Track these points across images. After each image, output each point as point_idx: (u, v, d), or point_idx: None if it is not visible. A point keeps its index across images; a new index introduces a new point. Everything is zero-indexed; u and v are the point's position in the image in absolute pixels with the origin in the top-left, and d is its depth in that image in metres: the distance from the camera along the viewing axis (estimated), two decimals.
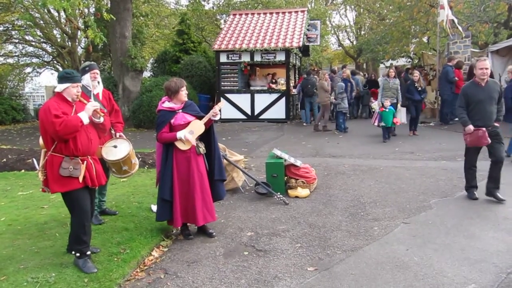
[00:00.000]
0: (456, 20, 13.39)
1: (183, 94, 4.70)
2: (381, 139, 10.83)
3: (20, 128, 17.52)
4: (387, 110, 10.48)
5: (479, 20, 16.43)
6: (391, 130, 10.88)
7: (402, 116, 11.81)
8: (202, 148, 4.84)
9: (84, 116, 3.82)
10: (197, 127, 4.72)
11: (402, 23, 20.33)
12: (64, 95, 3.86)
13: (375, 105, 14.92)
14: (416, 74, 11.46)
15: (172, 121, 4.69)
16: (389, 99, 10.79)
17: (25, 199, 6.52)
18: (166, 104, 4.74)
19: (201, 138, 4.87)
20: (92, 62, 5.24)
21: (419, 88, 11.20)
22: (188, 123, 4.71)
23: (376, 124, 10.95)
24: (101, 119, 4.06)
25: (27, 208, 5.99)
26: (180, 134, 4.61)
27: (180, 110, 4.74)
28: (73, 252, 3.99)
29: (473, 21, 16.41)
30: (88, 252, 4.02)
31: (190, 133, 4.66)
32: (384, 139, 10.65)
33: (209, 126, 4.89)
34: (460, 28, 13.60)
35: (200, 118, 4.79)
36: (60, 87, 3.83)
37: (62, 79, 3.84)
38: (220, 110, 4.84)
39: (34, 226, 5.15)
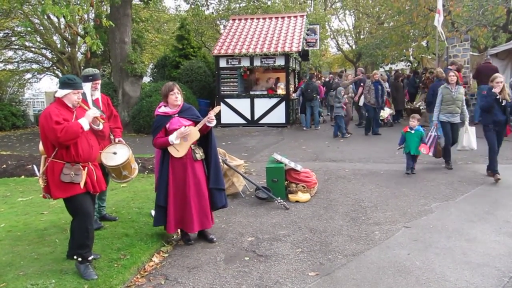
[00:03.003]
0: (440, 29, 13.45)
1: (173, 98, 4.64)
2: (382, 143, 10.78)
3: (20, 134, 17.52)
4: (412, 131, 7.76)
5: (478, 24, 16.48)
6: (414, 160, 7.87)
7: (471, 140, 7.92)
8: (199, 154, 4.79)
9: (85, 122, 3.82)
10: (192, 133, 4.66)
11: (401, 27, 20.38)
12: (64, 101, 3.85)
13: (383, 112, 13.63)
14: (499, 80, 6.96)
15: (167, 125, 4.66)
16: (444, 115, 7.83)
17: (25, 205, 6.51)
18: (162, 109, 4.73)
19: (199, 144, 4.85)
20: (96, 72, 5.12)
21: (504, 103, 6.95)
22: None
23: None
24: (100, 126, 4.06)
25: (26, 214, 5.97)
26: (171, 137, 4.57)
27: (176, 115, 4.70)
28: (75, 257, 3.96)
29: (472, 25, 16.46)
30: (90, 258, 3.99)
31: (184, 140, 4.62)
32: (407, 170, 7.74)
33: (207, 132, 4.83)
34: (442, 34, 13.66)
35: (197, 122, 4.73)
36: (60, 93, 3.83)
37: (63, 84, 3.83)
38: (220, 112, 4.79)
39: (33, 232, 5.13)
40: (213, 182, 4.85)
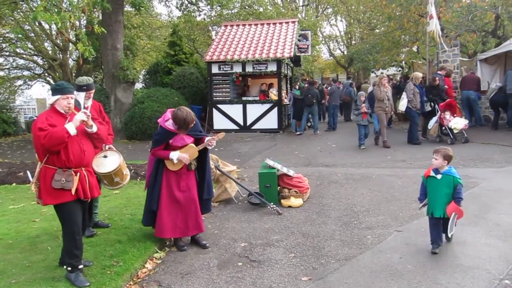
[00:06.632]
0: (440, 33, 13.57)
1: (192, 125, 4.67)
2: (374, 148, 10.80)
3: (11, 141, 17.40)
4: (438, 176, 4.47)
5: (467, 30, 16.68)
6: (439, 226, 4.51)
7: None
8: (194, 165, 4.92)
9: (71, 127, 3.76)
10: (191, 152, 4.78)
11: (392, 32, 20.56)
12: (56, 107, 3.87)
13: (456, 123, 10.67)
14: None
15: (170, 141, 4.73)
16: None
17: (17, 213, 6.47)
18: (169, 124, 4.67)
19: None
20: (90, 82, 5.08)
21: None
22: (186, 145, 4.74)
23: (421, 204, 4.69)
24: (94, 129, 4.02)
25: (18, 222, 5.94)
26: (173, 155, 4.65)
27: None
28: (64, 267, 3.95)
29: (462, 31, 16.65)
30: (80, 266, 3.98)
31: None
32: (434, 249, 4.40)
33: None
34: (442, 40, 13.80)
35: (198, 139, 4.86)
36: (51, 99, 3.87)
37: (53, 91, 3.88)
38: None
39: (25, 240, 5.10)
40: (207, 193, 5.09)
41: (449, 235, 4.35)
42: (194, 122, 4.69)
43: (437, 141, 11.18)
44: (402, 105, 11.00)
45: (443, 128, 11.11)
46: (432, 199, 4.50)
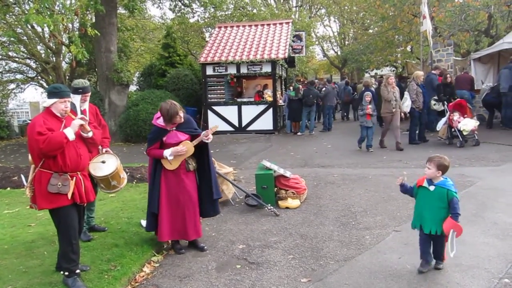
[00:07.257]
0: (431, 33, 13.64)
1: (177, 119, 4.62)
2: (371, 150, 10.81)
3: (5, 145, 17.26)
4: (431, 188, 4.02)
5: (461, 29, 16.77)
6: (438, 245, 4.05)
7: None
8: (192, 165, 4.83)
9: (69, 132, 3.75)
10: (187, 148, 4.69)
11: (386, 33, 20.66)
12: (52, 110, 3.82)
13: (465, 125, 10.15)
14: None
15: (164, 138, 4.68)
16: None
17: (12, 218, 6.40)
18: (160, 121, 4.68)
19: (193, 154, 4.84)
20: (86, 85, 5.04)
21: None
22: (180, 142, 4.69)
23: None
24: (90, 134, 3.99)
25: (13, 227, 5.87)
26: (166, 153, 4.60)
27: (174, 128, 4.71)
28: (61, 272, 3.91)
29: (455, 30, 16.74)
30: (77, 271, 3.93)
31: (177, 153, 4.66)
32: (422, 267, 4.02)
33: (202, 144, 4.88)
34: (431, 40, 13.86)
35: (193, 136, 4.78)
36: (48, 102, 3.81)
37: (49, 94, 3.80)
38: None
39: (21, 245, 5.04)
40: (216, 193, 4.99)
41: (451, 254, 3.84)
42: (180, 114, 4.60)
43: (446, 143, 10.79)
44: (407, 106, 10.67)
45: (453, 129, 10.48)
46: (420, 211, 4.08)
